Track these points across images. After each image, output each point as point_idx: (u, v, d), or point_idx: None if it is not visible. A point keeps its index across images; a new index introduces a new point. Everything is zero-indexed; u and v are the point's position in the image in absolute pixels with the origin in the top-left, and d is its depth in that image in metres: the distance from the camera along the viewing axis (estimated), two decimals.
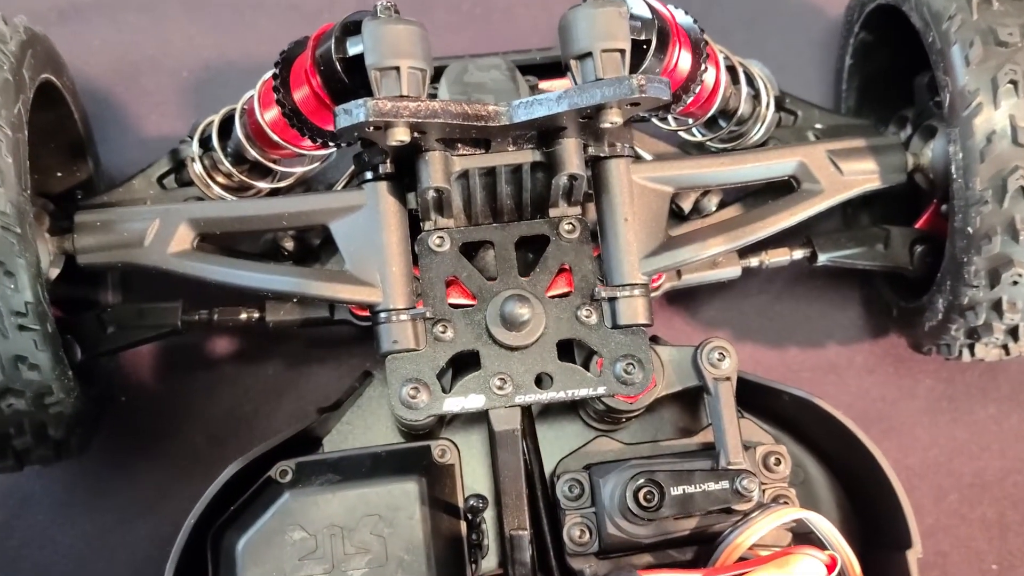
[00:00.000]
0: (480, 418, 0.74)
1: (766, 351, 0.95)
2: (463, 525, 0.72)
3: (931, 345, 0.83)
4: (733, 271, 0.80)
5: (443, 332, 0.71)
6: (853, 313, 0.97)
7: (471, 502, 0.66)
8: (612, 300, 0.72)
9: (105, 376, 0.87)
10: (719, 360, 0.72)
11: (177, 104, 0.98)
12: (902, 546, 0.71)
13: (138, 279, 0.89)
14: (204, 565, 0.72)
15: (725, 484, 0.68)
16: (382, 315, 0.71)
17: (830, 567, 0.66)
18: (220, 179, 0.80)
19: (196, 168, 0.79)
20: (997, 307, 0.74)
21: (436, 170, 0.70)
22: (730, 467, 0.69)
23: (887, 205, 0.89)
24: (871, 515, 0.77)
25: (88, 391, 0.79)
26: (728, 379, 0.72)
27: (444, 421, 0.76)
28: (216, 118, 0.79)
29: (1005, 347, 0.79)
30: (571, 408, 0.79)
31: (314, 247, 0.79)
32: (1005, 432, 0.94)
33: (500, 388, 0.70)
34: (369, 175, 0.72)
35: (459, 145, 0.71)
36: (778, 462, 0.73)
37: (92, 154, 0.88)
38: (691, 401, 0.79)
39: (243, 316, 0.79)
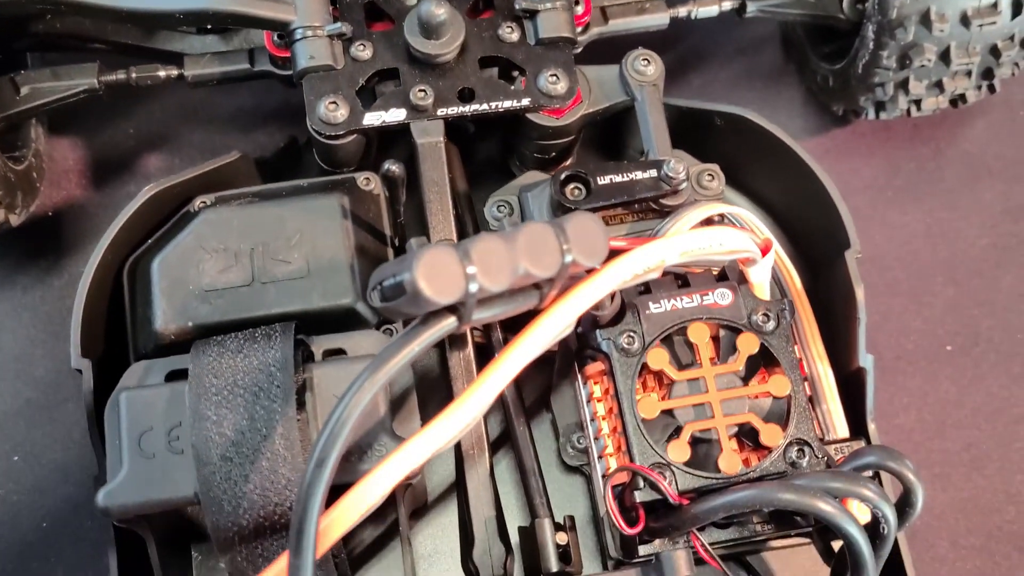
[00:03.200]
0: None
1: None
2: (390, 253, 0.70)
3: (866, 97, 0.82)
4: (661, 18, 0.78)
5: (362, 51, 0.70)
6: (792, 112, 0.95)
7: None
8: (533, 13, 0.70)
9: (29, 170, 0.84)
10: (644, 66, 0.70)
11: None
12: (841, 251, 0.69)
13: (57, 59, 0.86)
14: (120, 307, 0.69)
15: (652, 172, 0.66)
16: (298, 32, 0.69)
17: (764, 249, 0.64)
18: None
19: None
20: (925, 20, 0.73)
21: None
22: None
23: None
24: (811, 250, 0.75)
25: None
26: (655, 85, 0.70)
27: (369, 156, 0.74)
28: None
29: (939, 84, 0.78)
30: (501, 166, 0.78)
31: None
32: (954, 219, 0.92)
33: (422, 100, 0.68)
34: None
35: None
36: (712, 178, 0.71)
37: None
38: None
39: (161, 74, 0.76)
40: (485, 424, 0.68)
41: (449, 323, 0.53)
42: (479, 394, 0.56)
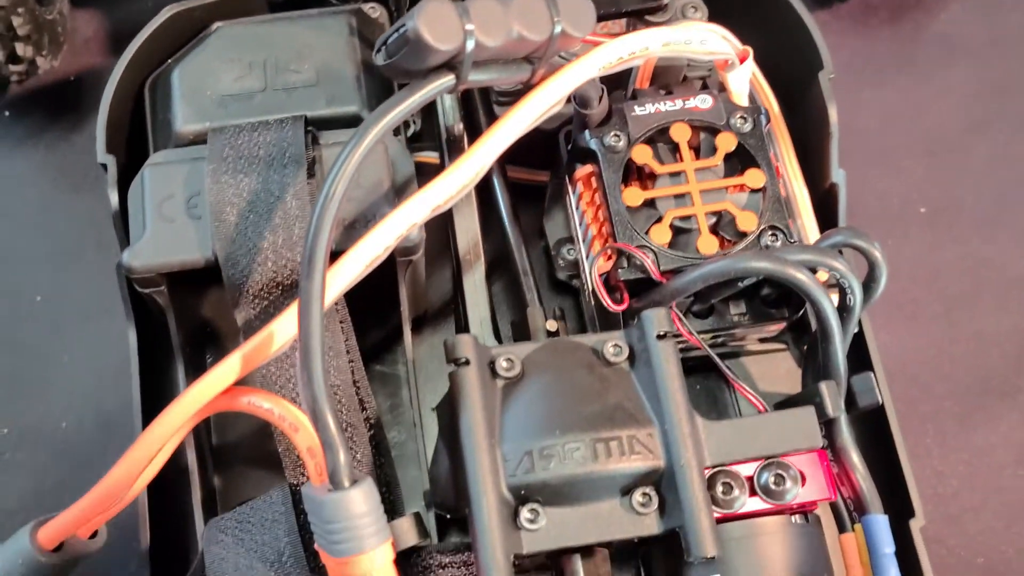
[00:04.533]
0: None
1: None
2: None
3: None
4: None
5: None
6: None
7: None
8: None
9: (55, 24, 0.89)
10: None
11: None
12: (814, 74, 0.74)
13: None
14: (141, 128, 0.74)
15: None
16: None
17: (742, 57, 0.69)
18: None
19: None
20: None
21: None
22: None
23: None
24: (786, 83, 0.79)
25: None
26: None
27: None
28: None
29: None
30: None
31: None
32: (929, 97, 0.97)
33: None
34: None
35: None
36: (695, 9, 0.75)
37: None
38: None
39: None
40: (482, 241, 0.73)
41: (448, 80, 0.58)
42: (476, 157, 0.60)
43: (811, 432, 0.60)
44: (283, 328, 0.59)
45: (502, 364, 0.61)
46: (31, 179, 0.91)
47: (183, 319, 0.68)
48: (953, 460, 0.85)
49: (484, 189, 0.75)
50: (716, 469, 0.60)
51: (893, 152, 0.95)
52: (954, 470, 0.85)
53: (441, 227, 0.76)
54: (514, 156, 0.75)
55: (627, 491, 0.59)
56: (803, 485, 0.60)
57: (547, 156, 0.77)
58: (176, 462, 0.71)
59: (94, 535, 0.65)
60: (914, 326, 0.89)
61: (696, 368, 0.74)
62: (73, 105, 0.93)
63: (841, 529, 0.65)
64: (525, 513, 0.58)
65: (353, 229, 0.63)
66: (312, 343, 0.55)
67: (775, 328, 0.71)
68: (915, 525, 0.68)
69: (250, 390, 0.60)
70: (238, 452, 0.73)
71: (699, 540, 0.57)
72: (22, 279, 0.88)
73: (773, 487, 0.59)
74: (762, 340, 0.74)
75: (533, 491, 0.58)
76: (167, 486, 0.70)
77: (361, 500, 0.55)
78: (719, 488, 0.59)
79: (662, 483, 0.59)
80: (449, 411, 0.61)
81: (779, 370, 0.74)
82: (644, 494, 0.59)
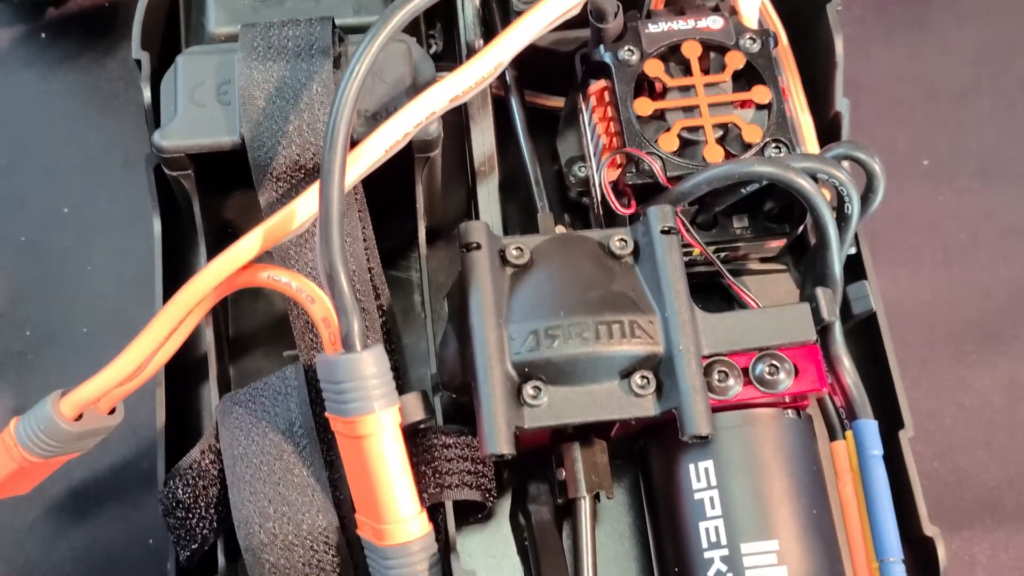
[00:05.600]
0: None
1: None
2: None
3: None
4: None
5: None
6: None
7: None
8: None
9: None
10: None
11: None
12: (822, 6, 0.77)
13: None
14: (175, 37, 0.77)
15: None
16: None
17: None
18: None
19: None
20: None
21: None
22: None
23: None
24: (794, 17, 0.81)
25: None
26: None
27: None
28: None
29: None
30: None
31: None
32: (936, 55, 0.99)
33: None
34: None
35: None
36: None
37: None
38: None
39: None
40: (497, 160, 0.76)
41: None
42: (495, 51, 0.63)
43: (805, 326, 0.63)
44: (304, 206, 0.62)
45: (512, 252, 0.64)
46: (64, 97, 0.94)
47: (208, 211, 0.71)
48: (947, 401, 0.87)
49: (501, 110, 0.78)
50: (713, 358, 0.62)
51: (898, 107, 0.97)
52: (947, 410, 0.87)
53: (459, 147, 0.79)
54: (530, 81, 0.78)
55: (627, 374, 0.61)
56: (796, 378, 0.62)
57: (562, 82, 0.80)
58: (190, 353, 0.74)
59: (112, 412, 0.67)
60: (913, 273, 0.91)
61: (696, 288, 0.76)
62: (107, 31, 0.96)
63: (832, 437, 0.67)
64: (528, 390, 0.61)
65: (375, 122, 0.65)
66: (332, 212, 0.57)
67: (776, 245, 0.74)
68: (904, 436, 0.70)
69: (269, 266, 0.63)
70: (253, 345, 0.75)
71: (694, 419, 0.59)
72: (51, 190, 0.91)
73: (767, 377, 0.62)
74: (763, 260, 0.77)
75: (537, 369, 0.61)
76: (182, 378, 0.73)
77: (372, 362, 0.57)
78: (715, 376, 0.62)
79: (660, 368, 0.61)
80: (459, 294, 0.64)
81: (779, 291, 0.77)
82: (643, 376, 0.61)
